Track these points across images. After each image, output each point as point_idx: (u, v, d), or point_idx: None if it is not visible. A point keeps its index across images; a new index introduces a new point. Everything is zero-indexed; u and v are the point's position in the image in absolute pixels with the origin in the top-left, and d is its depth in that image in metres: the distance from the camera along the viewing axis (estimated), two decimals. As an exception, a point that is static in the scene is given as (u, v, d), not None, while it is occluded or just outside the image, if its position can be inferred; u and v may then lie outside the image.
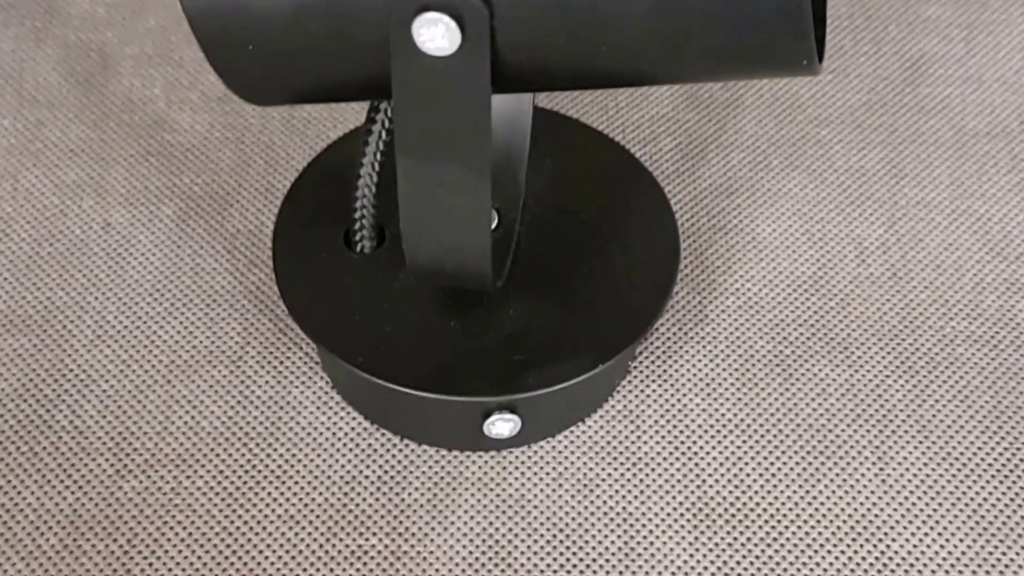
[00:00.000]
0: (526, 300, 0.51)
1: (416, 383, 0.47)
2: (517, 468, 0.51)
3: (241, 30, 0.41)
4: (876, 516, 0.50)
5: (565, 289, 0.51)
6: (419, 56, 0.40)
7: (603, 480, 0.51)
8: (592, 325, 0.50)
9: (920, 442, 0.52)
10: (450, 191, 0.44)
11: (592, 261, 0.52)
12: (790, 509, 0.50)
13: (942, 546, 0.49)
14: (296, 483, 0.51)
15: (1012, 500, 0.50)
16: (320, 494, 0.50)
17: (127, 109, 0.64)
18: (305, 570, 0.48)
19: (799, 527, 0.50)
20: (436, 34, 0.39)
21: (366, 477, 0.51)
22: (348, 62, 0.42)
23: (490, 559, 0.49)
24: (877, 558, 0.49)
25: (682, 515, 0.50)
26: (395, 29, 0.39)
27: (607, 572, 0.48)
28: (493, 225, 0.51)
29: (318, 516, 0.50)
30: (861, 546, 0.49)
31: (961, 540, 0.49)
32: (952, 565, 0.49)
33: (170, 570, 0.48)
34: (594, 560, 0.49)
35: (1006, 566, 0.49)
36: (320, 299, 0.51)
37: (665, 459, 0.51)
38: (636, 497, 0.50)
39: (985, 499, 0.50)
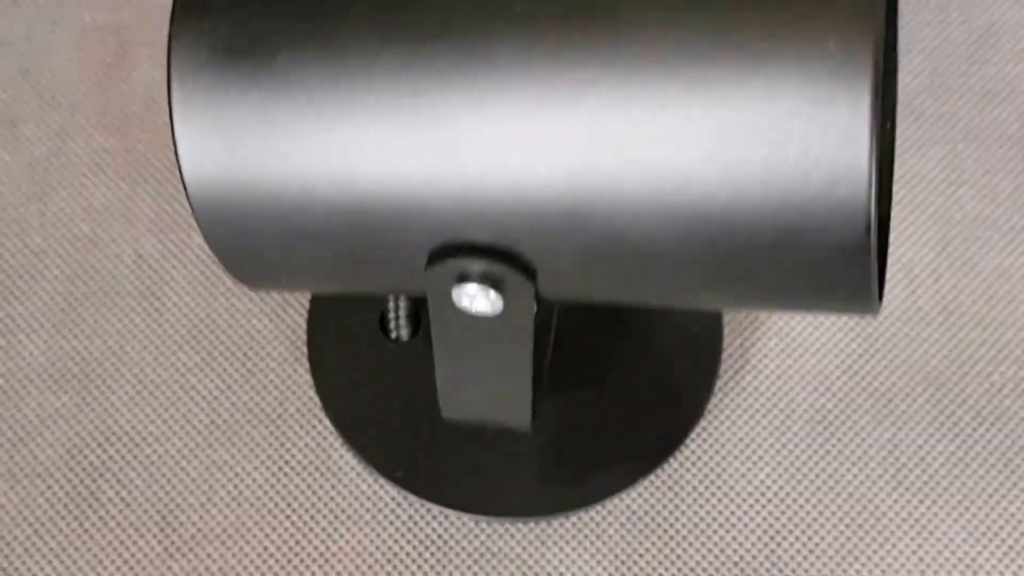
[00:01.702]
0: (565, 401, 0.50)
1: (457, 503, 0.48)
2: (556, 541, 0.52)
3: (263, 263, 0.38)
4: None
5: (605, 386, 0.50)
6: (459, 313, 0.38)
7: (641, 556, 0.52)
8: (634, 429, 0.49)
9: (961, 514, 0.52)
10: (490, 380, 0.43)
11: (629, 347, 0.51)
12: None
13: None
14: (339, 561, 0.52)
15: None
16: (363, 573, 0.51)
17: (149, 110, 0.61)
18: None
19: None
20: (477, 301, 0.37)
21: (407, 554, 0.52)
22: (373, 287, 0.40)
23: (530, 637, 0.50)
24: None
25: (718, 589, 0.51)
26: (433, 292, 0.37)
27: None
28: None
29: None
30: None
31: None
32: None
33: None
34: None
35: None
36: (357, 398, 0.50)
37: (703, 531, 0.52)
38: (674, 575, 0.51)
39: None
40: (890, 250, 0.57)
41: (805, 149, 0.32)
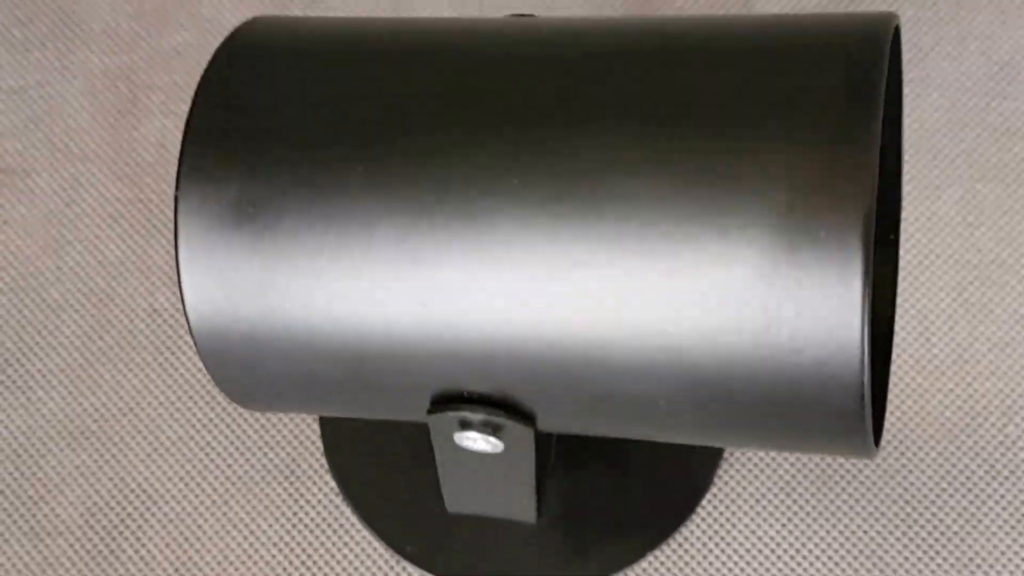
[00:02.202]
0: (572, 479, 0.50)
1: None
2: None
3: (269, 403, 0.39)
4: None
5: (611, 461, 0.50)
6: (462, 452, 0.39)
7: (650, 615, 0.52)
8: (642, 503, 0.49)
9: (972, 571, 0.51)
10: (494, 490, 0.43)
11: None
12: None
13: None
14: (354, 620, 0.53)
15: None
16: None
17: (160, 160, 0.61)
18: None
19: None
20: (479, 444, 0.38)
21: (420, 614, 0.52)
22: (376, 418, 0.41)
23: None
24: None
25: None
26: (436, 432, 0.38)
27: None
28: None
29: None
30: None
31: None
32: None
33: None
34: None
35: None
36: (368, 471, 0.50)
37: (712, 590, 0.52)
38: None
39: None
40: (905, 296, 0.56)
41: (796, 329, 0.32)
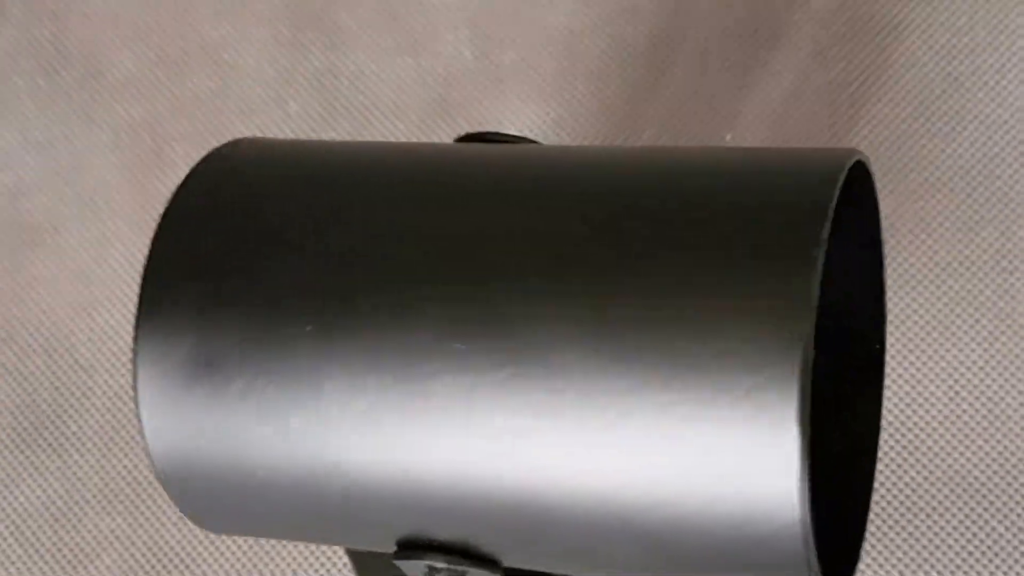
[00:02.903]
0: None
1: None
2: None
3: (237, 528, 0.40)
4: None
5: None
6: None
7: None
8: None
9: (995, 641, 0.51)
10: None
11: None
12: None
13: None
14: None
15: None
16: None
17: (186, 212, 0.62)
18: None
19: None
20: None
21: None
22: (346, 546, 0.41)
23: None
24: None
25: None
26: (404, 571, 0.38)
27: None
28: None
29: None
30: None
31: None
32: None
33: None
34: None
35: None
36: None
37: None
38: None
39: None
40: (935, 347, 0.55)
41: (738, 504, 0.32)
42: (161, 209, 0.62)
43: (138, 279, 0.61)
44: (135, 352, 0.36)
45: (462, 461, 0.34)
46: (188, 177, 0.39)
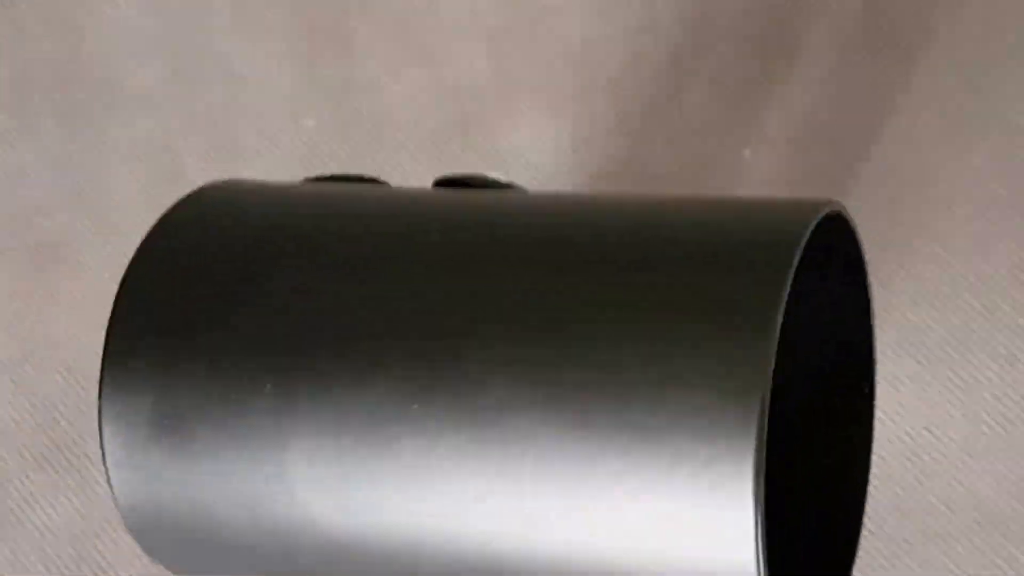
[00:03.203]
0: None
1: None
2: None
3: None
4: None
5: None
6: None
7: None
8: None
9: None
10: None
11: None
12: None
13: None
14: None
15: None
16: None
17: (202, 229, 0.62)
18: None
19: None
20: None
21: None
22: None
23: None
24: None
25: None
26: None
27: None
28: None
29: None
30: None
31: None
32: None
33: None
34: None
35: None
36: None
37: None
38: None
39: None
40: (951, 366, 0.54)
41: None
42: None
43: (155, 297, 0.62)
44: (99, 408, 0.37)
45: (421, 524, 0.35)
46: (152, 230, 0.40)
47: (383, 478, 0.35)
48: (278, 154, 0.63)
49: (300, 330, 0.36)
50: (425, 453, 0.35)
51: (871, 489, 0.52)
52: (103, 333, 0.60)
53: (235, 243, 0.39)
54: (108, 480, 0.39)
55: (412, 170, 0.61)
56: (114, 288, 0.61)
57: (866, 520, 0.52)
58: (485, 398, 0.34)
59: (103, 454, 0.38)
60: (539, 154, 0.61)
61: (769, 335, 0.32)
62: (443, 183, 0.43)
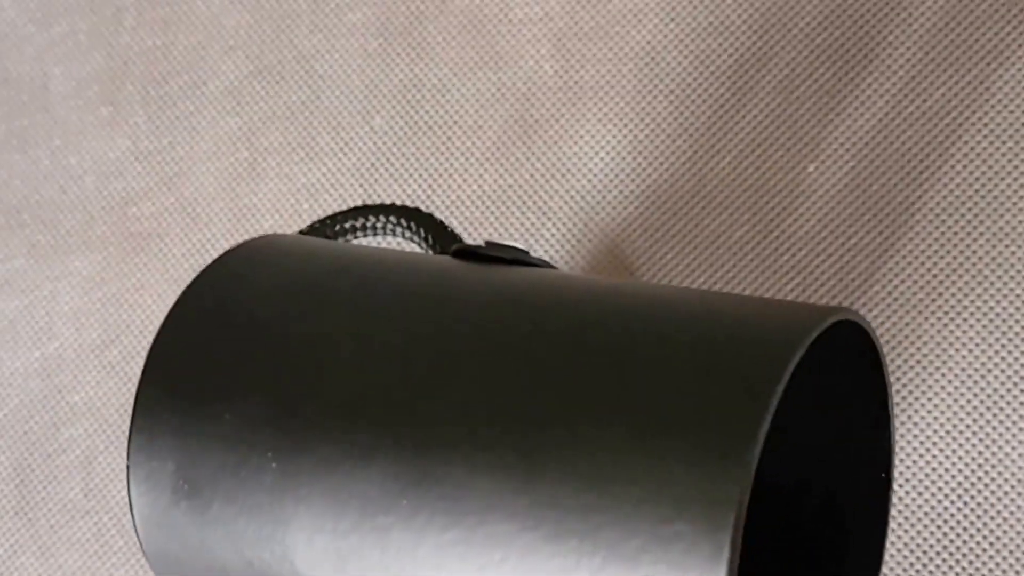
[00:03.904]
0: None
1: None
2: None
3: None
4: None
5: None
6: None
7: None
8: None
9: None
10: None
11: None
12: None
13: None
14: None
15: None
16: None
17: (276, 228, 0.64)
18: None
19: None
20: None
21: None
22: None
23: None
24: None
25: None
26: None
27: None
28: None
29: None
30: None
31: None
32: None
33: None
34: None
35: None
36: None
37: None
38: None
39: None
40: (1014, 404, 0.52)
41: None
42: (251, 223, 0.64)
43: (230, 290, 0.64)
44: (128, 471, 0.40)
45: None
46: (180, 299, 0.42)
47: (374, 565, 0.37)
48: (348, 153, 0.64)
49: (306, 414, 0.38)
50: (412, 547, 0.36)
51: (921, 528, 0.51)
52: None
53: (249, 325, 0.41)
54: (136, 531, 0.42)
55: (477, 175, 0.61)
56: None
57: (913, 559, 0.51)
58: (470, 501, 0.35)
59: (131, 510, 0.41)
60: (600, 161, 0.60)
61: (746, 467, 0.31)
62: (461, 253, 0.44)
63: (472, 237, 0.61)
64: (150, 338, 0.64)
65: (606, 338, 0.36)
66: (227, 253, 0.44)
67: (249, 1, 0.68)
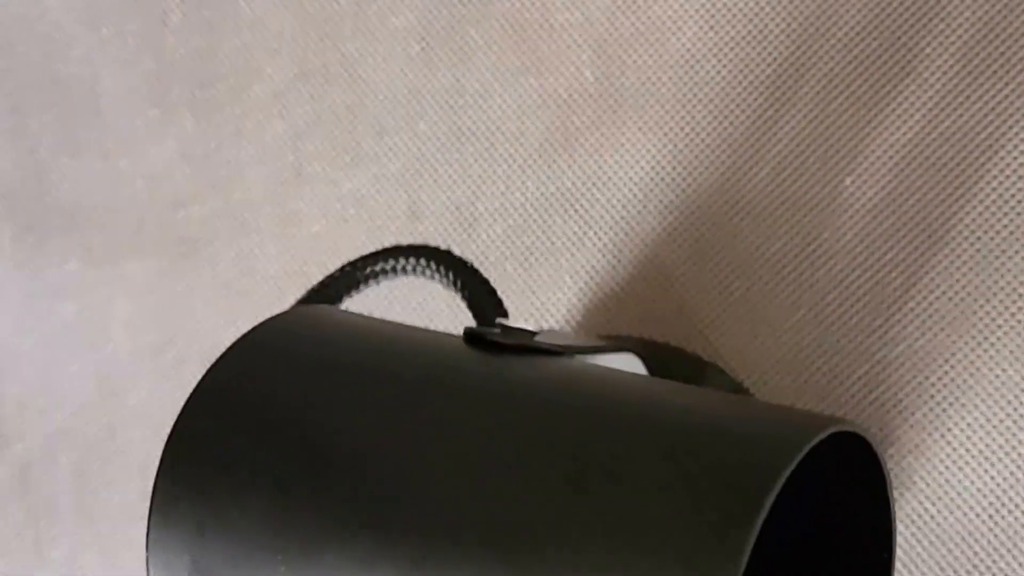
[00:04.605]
0: None
1: None
2: None
3: None
4: None
5: None
6: None
7: None
8: None
9: None
10: None
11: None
12: None
13: None
14: None
15: None
16: None
17: (319, 236, 0.65)
18: None
19: None
20: None
21: None
22: None
23: None
24: None
25: None
26: None
27: None
28: None
29: None
30: None
31: None
32: None
33: None
34: None
35: None
36: None
37: None
38: None
39: None
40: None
41: None
42: (298, 229, 0.66)
43: (279, 297, 0.66)
44: (147, 559, 0.42)
45: None
46: (198, 386, 0.44)
47: None
48: (393, 158, 0.65)
49: (313, 519, 0.40)
50: None
51: (952, 546, 0.52)
52: (231, 325, 0.65)
53: (259, 418, 0.43)
54: None
55: (520, 183, 0.62)
56: (242, 283, 0.66)
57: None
58: None
59: None
60: (640, 170, 0.60)
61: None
62: (472, 338, 0.46)
63: (513, 249, 0.62)
64: (201, 343, 0.66)
65: (602, 455, 0.38)
66: (246, 336, 0.46)
67: (291, 3, 0.68)
